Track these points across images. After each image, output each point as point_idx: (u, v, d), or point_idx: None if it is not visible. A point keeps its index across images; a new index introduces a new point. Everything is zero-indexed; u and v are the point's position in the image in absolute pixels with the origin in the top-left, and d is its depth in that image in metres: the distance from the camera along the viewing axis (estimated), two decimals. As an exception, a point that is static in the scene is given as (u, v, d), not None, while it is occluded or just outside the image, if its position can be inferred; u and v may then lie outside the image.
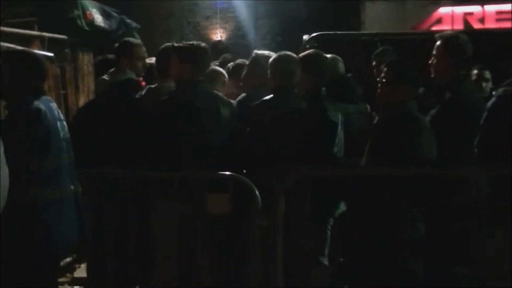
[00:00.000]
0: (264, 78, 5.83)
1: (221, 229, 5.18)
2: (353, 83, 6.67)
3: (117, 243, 5.27)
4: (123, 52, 5.97)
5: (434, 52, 5.56)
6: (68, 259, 7.93)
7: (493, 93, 4.76)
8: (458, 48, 5.45)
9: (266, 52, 6.20)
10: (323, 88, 5.91)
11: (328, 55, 6.63)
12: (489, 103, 4.70)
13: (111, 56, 6.58)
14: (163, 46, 6.04)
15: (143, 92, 5.87)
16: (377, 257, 4.81)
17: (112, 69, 5.93)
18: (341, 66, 6.83)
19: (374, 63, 7.50)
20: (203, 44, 5.67)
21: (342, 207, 5.76)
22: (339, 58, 6.89)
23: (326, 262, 5.58)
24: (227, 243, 5.20)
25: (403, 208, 4.78)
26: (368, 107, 6.68)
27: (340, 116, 5.77)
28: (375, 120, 5.28)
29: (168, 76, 5.76)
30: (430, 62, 5.56)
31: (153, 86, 5.89)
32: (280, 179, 4.93)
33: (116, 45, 6.31)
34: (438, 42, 5.54)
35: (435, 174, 4.83)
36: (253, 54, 6.23)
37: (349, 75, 6.75)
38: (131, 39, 6.52)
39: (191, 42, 5.73)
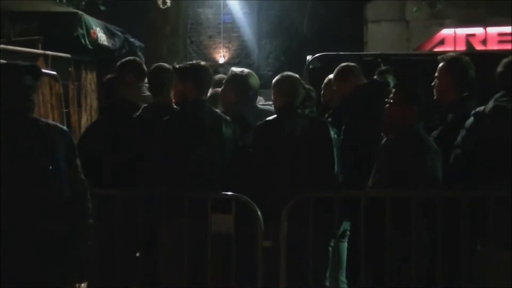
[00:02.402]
0: (240, 96, 5.90)
1: (225, 248, 5.16)
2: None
3: (121, 262, 5.25)
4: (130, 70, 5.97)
5: (436, 74, 5.58)
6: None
7: (472, 112, 4.82)
8: (461, 69, 5.47)
9: (242, 70, 6.18)
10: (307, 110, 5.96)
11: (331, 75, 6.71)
12: (467, 122, 4.76)
13: None
14: (155, 65, 6.06)
15: (139, 112, 5.84)
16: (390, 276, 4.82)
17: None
18: None
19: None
20: (203, 63, 5.70)
21: (344, 227, 5.73)
22: None
23: (327, 283, 5.56)
24: (230, 263, 5.18)
25: (410, 227, 4.78)
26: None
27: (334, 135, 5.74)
28: (383, 141, 5.28)
29: (161, 95, 5.80)
30: (433, 84, 5.56)
31: (146, 105, 5.87)
32: (283, 201, 4.94)
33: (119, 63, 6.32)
34: (441, 64, 5.55)
35: (441, 195, 4.86)
36: (230, 72, 6.21)
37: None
38: (136, 59, 6.57)
39: (191, 62, 5.76)
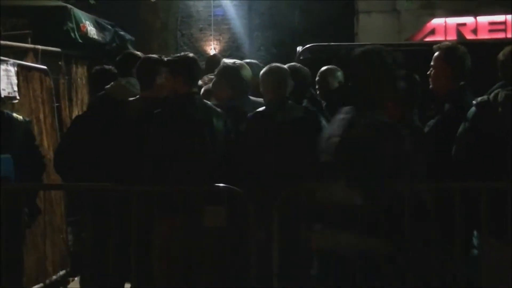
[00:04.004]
0: (233, 88, 5.92)
1: (218, 241, 5.15)
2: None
3: (113, 256, 5.23)
4: (132, 65, 5.97)
5: (432, 63, 5.56)
6: (62, 272, 7.92)
7: (473, 102, 4.78)
8: (458, 59, 5.46)
9: (233, 61, 6.17)
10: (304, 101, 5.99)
11: (328, 66, 6.73)
12: (469, 112, 4.72)
13: (108, 67, 6.59)
14: (143, 58, 6.02)
15: (128, 106, 5.78)
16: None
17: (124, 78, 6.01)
18: (340, 75, 6.88)
19: None
20: (191, 55, 5.67)
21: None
22: (338, 68, 6.94)
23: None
24: (223, 255, 5.16)
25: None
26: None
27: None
28: None
29: (149, 88, 5.76)
30: (428, 73, 5.55)
31: (133, 98, 5.82)
32: (275, 193, 4.92)
33: (121, 56, 6.30)
34: (437, 53, 5.53)
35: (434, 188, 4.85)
36: (221, 63, 6.18)
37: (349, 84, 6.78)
38: (134, 52, 6.56)
39: (179, 54, 5.75)
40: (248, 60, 6.60)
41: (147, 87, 5.78)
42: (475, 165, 4.68)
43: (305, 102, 6.02)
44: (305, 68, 6.32)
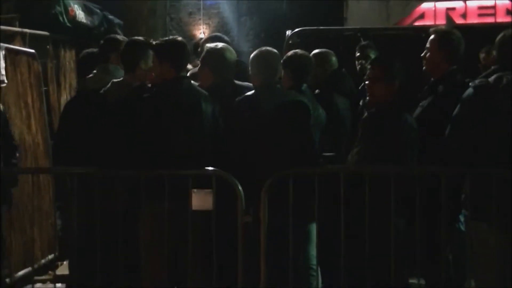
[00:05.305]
0: (216, 73, 5.84)
1: (206, 225, 5.13)
2: (349, 77, 6.74)
3: (101, 241, 5.21)
4: (113, 49, 5.94)
5: (427, 46, 5.67)
6: (50, 257, 7.91)
7: (470, 84, 4.78)
8: (453, 43, 5.58)
9: (215, 44, 6.04)
10: (304, 85, 5.93)
11: (321, 50, 6.72)
12: (465, 94, 4.72)
13: (93, 50, 6.56)
14: (128, 40, 5.98)
15: (108, 87, 5.73)
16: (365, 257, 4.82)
17: (101, 65, 5.96)
18: (334, 60, 6.86)
19: (357, 54, 7.58)
20: (179, 38, 5.59)
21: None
22: (332, 52, 6.92)
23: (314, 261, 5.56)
24: (211, 240, 5.15)
25: (388, 205, 4.77)
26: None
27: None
28: (364, 116, 5.33)
29: (132, 71, 5.70)
30: (422, 55, 5.65)
31: (116, 80, 5.75)
32: (263, 178, 4.92)
33: (102, 41, 6.28)
34: (432, 36, 5.66)
35: (424, 172, 4.87)
36: (204, 48, 6.05)
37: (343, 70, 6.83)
38: (118, 36, 6.51)
39: (166, 38, 5.66)
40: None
41: (129, 71, 5.72)
42: (469, 147, 4.68)
43: (304, 87, 5.97)
44: (308, 55, 6.27)
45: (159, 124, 5.27)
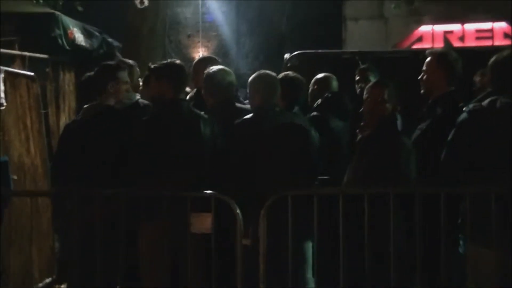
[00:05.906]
0: (213, 96, 5.89)
1: (205, 247, 5.13)
2: (346, 101, 6.76)
3: (100, 263, 5.20)
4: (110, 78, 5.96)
5: (424, 68, 5.69)
6: (48, 280, 7.89)
7: (464, 108, 4.80)
8: (450, 63, 5.61)
9: (211, 68, 6.04)
10: (296, 107, 6.00)
11: (324, 74, 6.76)
12: (460, 118, 4.73)
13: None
14: (101, 64, 6.02)
15: (84, 108, 5.82)
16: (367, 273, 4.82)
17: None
18: (335, 84, 6.91)
19: (357, 77, 7.61)
20: (178, 61, 5.67)
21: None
22: (333, 76, 6.96)
23: (312, 284, 5.54)
24: (211, 262, 5.14)
25: (386, 223, 4.78)
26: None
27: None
28: (358, 138, 5.34)
29: (105, 94, 5.74)
30: (420, 77, 5.66)
31: (87, 106, 5.82)
32: (262, 200, 4.92)
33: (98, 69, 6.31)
34: (429, 58, 5.68)
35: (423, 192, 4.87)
36: (207, 71, 6.04)
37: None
38: (112, 63, 6.55)
39: (166, 61, 5.74)
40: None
41: (100, 93, 5.79)
42: (463, 171, 4.69)
43: (296, 109, 6.01)
44: (300, 77, 6.30)
45: (158, 146, 5.29)
